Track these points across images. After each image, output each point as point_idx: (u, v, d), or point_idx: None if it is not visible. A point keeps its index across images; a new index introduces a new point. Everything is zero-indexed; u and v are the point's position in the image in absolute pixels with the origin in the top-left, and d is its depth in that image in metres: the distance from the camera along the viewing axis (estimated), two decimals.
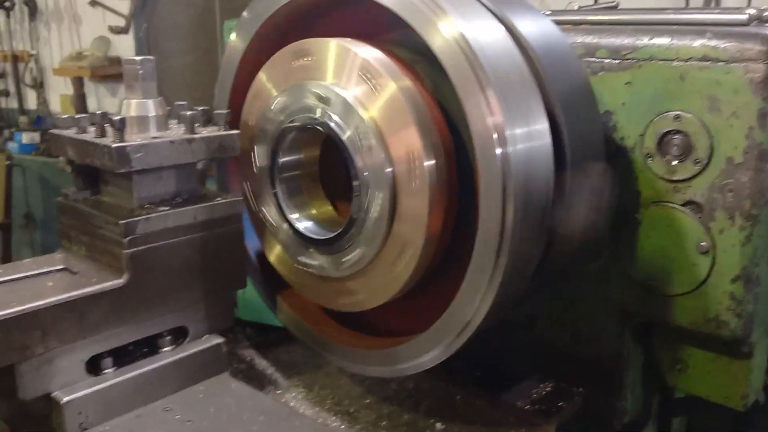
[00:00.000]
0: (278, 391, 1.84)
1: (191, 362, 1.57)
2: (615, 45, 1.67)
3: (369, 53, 1.44)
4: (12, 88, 7.79)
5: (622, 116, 1.67)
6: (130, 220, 1.45)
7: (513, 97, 1.32)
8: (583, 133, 1.54)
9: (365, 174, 1.43)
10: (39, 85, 7.60)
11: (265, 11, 1.65)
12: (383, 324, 1.70)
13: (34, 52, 7.55)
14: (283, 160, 1.62)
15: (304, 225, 1.62)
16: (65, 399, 1.37)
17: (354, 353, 1.67)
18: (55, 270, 1.51)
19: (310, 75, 1.54)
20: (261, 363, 1.97)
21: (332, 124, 1.47)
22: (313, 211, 1.67)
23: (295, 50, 1.56)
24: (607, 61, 1.68)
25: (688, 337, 1.78)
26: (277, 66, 1.61)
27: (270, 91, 1.63)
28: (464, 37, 1.28)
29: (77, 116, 1.54)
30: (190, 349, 1.58)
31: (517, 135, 1.29)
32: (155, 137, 1.51)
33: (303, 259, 1.62)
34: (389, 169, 1.41)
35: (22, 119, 7.54)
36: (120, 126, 1.43)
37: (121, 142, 1.43)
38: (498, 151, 1.27)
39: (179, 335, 1.60)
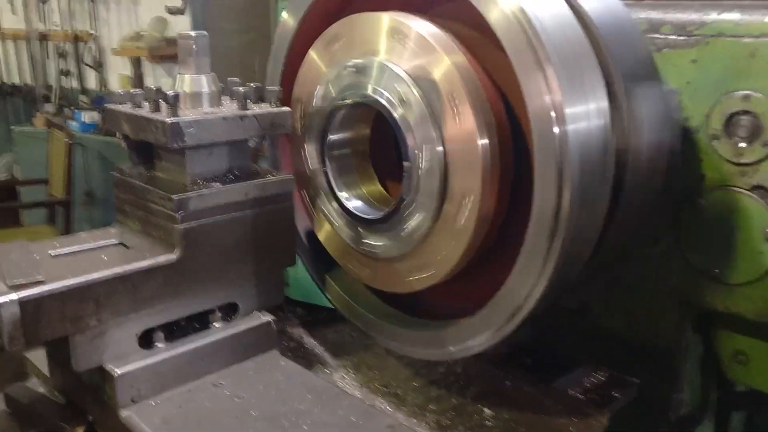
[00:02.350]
0: (326, 371, 1.84)
1: (241, 338, 1.58)
2: (681, 20, 1.60)
3: (422, 27, 1.41)
4: (73, 68, 7.99)
5: (687, 95, 1.59)
6: (183, 195, 1.46)
7: (573, 74, 1.26)
8: (645, 112, 1.47)
9: (416, 152, 1.41)
10: (99, 65, 7.78)
11: None
12: (433, 306, 1.68)
13: (94, 32, 7.72)
14: (333, 137, 1.60)
15: (353, 204, 1.60)
16: (118, 372, 1.39)
17: (401, 334, 1.65)
18: (110, 244, 1.53)
19: (362, 50, 1.51)
20: (309, 342, 1.98)
21: (383, 101, 1.44)
22: (363, 190, 1.65)
23: (346, 26, 1.53)
24: (672, 37, 1.61)
25: (751, 328, 1.70)
26: (327, 42, 1.58)
27: (321, 67, 1.61)
28: (523, 10, 1.23)
29: (132, 91, 1.55)
30: (241, 325, 1.59)
31: (576, 113, 1.24)
32: (208, 113, 1.51)
33: (366, 241, 1.60)
34: (440, 148, 1.38)
35: (83, 99, 7.74)
36: (173, 101, 1.43)
37: (174, 117, 1.43)
38: (556, 129, 1.22)
39: (230, 311, 1.61)
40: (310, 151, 1.65)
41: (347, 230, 1.62)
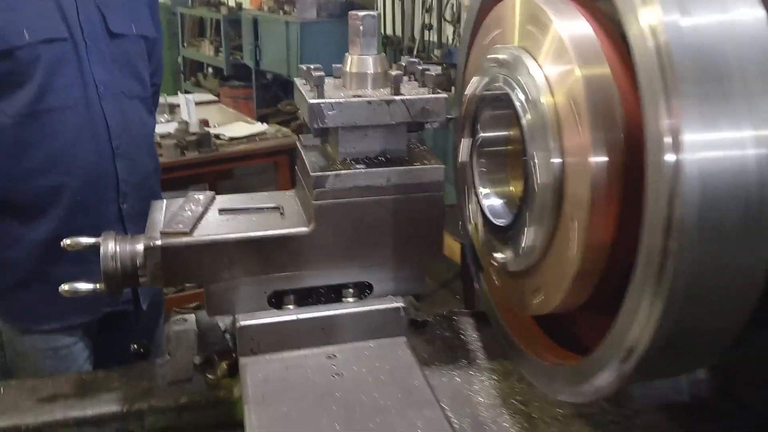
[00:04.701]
0: (471, 371, 1.75)
1: (368, 318, 1.60)
2: None
3: (569, 29, 1.21)
4: (435, 22, 8.54)
5: None
6: (320, 174, 1.51)
7: (723, 95, 0.97)
8: None
9: (534, 161, 1.23)
10: (456, 20, 8.18)
11: None
12: (576, 336, 1.47)
13: None
14: (483, 134, 1.48)
15: (489, 202, 1.47)
16: (242, 323, 1.54)
17: (529, 362, 1.49)
18: (269, 207, 1.67)
19: (527, 44, 1.35)
20: (470, 335, 1.90)
21: (517, 103, 1.28)
22: (511, 188, 1.50)
23: (503, 9, 1.38)
24: None
25: None
26: (487, 27, 1.45)
27: (482, 54, 1.48)
28: (665, 27, 0.97)
29: (309, 67, 1.63)
30: (370, 305, 1.61)
31: (706, 141, 0.95)
32: (357, 95, 1.52)
33: (494, 253, 1.48)
34: (558, 160, 1.19)
35: (436, 52, 8.27)
36: (318, 83, 1.48)
37: (317, 98, 1.48)
38: (668, 157, 0.95)
39: (364, 290, 1.64)
40: (464, 142, 1.55)
41: (483, 232, 1.50)
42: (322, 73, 1.49)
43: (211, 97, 7.37)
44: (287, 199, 1.73)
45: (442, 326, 1.91)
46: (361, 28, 1.56)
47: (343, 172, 1.52)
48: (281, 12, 10.35)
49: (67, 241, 1.53)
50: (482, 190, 1.50)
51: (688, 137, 0.94)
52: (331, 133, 1.65)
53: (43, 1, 2.35)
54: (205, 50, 13.04)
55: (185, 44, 13.69)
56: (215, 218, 1.62)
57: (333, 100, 1.48)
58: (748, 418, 1.71)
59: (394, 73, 1.52)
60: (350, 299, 1.63)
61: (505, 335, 1.62)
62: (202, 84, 13.19)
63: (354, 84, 1.59)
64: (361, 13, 1.56)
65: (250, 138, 5.53)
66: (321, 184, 1.52)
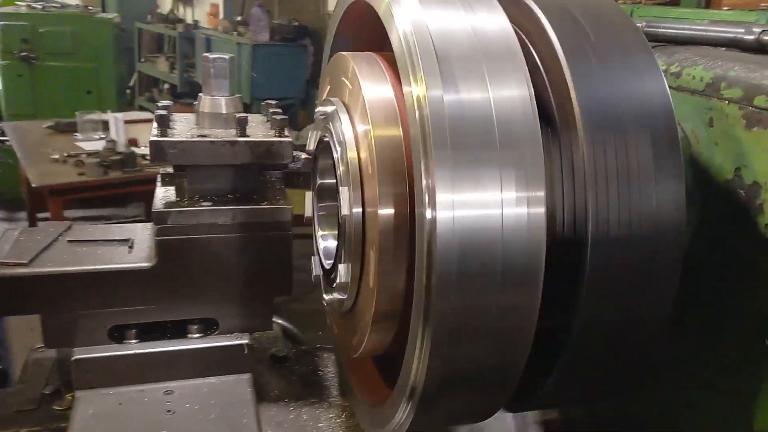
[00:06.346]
0: (320, 408, 1.77)
1: (210, 355, 1.62)
2: None
3: (373, 92, 1.28)
4: None
5: None
6: (161, 210, 1.53)
7: (485, 164, 1.05)
8: (640, 213, 1.11)
9: (344, 213, 1.27)
10: None
11: None
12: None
13: None
14: (320, 182, 1.52)
15: (325, 244, 1.51)
16: (77, 356, 1.54)
17: (356, 403, 1.52)
18: (120, 240, 1.68)
19: (347, 100, 1.40)
20: (330, 372, 1.92)
21: (334, 155, 1.33)
22: None
23: (333, 66, 1.44)
24: None
25: None
26: (323, 80, 1.50)
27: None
28: (427, 101, 1.05)
29: (158, 105, 1.64)
30: (213, 342, 1.63)
31: (456, 200, 1.02)
32: (203, 135, 1.55)
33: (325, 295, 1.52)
34: (359, 210, 1.24)
35: None
36: (161, 122, 1.50)
37: (160, 137, 1.51)
38: (427, 213, 1.01)
39: (209, 327, 1.65)
40: (308, 195, 1.60)
41: (323, 278, 1.54)
42: (164, 112, 1.52)
43: (147, 115, 7.26)
44: (143, 232, 1.74)
45: (301, 362, 1.93)
46: (212, 70, 1.59)
47: (187, 209, 1.55)
48: (235, 33, 10.37)
49: None
50: (320, 232, 1.54)
51: (440, 196, 1.01)
52: (187, 169, 1.68)
53: None
54: (161, 66, 12.98)
55: (142, 59, 13.61)
56: (62, 249, 1.62)
57: (175, 139, 1.51)
58: None
59: (238, 115, 1.55)
60: (195, 335, 1.64)
61: (344, 376, 1.65)
62: (156, 99, 13.10)
63: (207, 123, 1.62)
64: (212, 56, 1.59)
65: None
66: (163, 220, 1.54)
